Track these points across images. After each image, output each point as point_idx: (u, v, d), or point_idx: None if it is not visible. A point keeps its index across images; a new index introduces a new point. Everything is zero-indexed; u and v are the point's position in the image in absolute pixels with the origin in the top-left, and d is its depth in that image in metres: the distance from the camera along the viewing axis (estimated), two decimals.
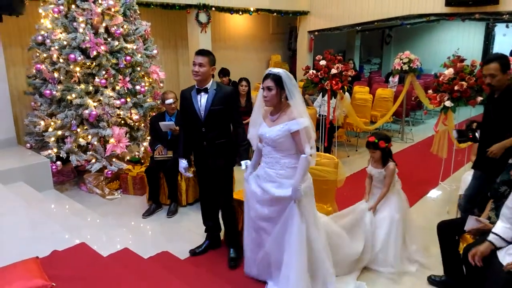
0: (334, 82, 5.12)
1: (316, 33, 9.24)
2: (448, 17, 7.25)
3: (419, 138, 7.65)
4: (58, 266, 2.53)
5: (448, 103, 4.18)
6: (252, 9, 8.02)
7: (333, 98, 5.46)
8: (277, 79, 2.63)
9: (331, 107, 5.60)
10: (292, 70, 9.52)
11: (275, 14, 8.66)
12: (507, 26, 10.87)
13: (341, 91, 5.31)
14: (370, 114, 7.39)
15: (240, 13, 7.96)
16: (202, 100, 3.19)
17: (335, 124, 5.79)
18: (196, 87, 3.22)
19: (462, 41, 11.06)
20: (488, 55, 3.19)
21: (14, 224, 3.35)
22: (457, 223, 3.01)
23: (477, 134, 3.37)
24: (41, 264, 2.42)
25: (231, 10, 7.73)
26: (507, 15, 6.80)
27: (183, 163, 3.40)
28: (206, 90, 3.18)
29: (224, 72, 6.63)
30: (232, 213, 3.41)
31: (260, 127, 2.79)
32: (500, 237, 2.43)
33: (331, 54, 5.34)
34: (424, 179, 5.34)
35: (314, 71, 5.25)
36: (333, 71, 5.10)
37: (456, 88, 4.08)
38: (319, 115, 5.91)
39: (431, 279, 3.13)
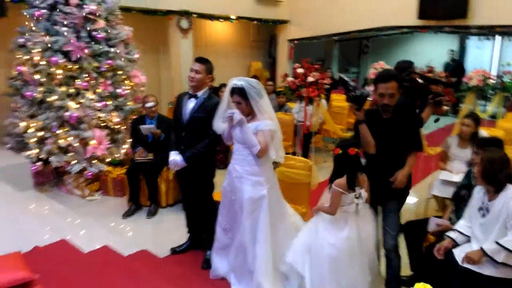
0: (311, 89, 5.33)
1: (296, 41, 9.48)
2: (421, 29, 7.59)
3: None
4: (39, 261, 2.62)
5: None
6: (233, 17, 8.19)
7: (309, 105, 5.66)
8: (242, 92, 2.82)
9: (308, 114, 5.80)
10: (272, 77, 9.72)
11: (255, 22, 8.86)
12: (479, 39, 11.37)
13: (317, 98, 5.53)
14: (346, 121, 7.63)
15: (221, 20, 8.13)
16: (189, 105, 3.30)
17: (311, 130, 5.99)
18: (190, 92, 3.33)
19: (436, 53, 11.49)
20: (382, 72, 2.94)
21: None
22: (421, 223, 3.23)
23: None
24: (23, 258, 2.51)
25: (212, 17, 7.89)
26: (476, 29, 7.18)
27: (174, 153, 3.33)
28: (196, 97, 3.30)
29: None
30: (212, 217, 3.44)
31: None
32: (461, 233, 2.67)
33: (308, 62, 5.56)
34: None
35: (292, 79, 5.45)
36: (310, 79, 5.31)
37: None
38: (297, 121, 6.12)
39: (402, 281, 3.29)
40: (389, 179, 2.75)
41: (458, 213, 3.01)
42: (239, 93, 2.82)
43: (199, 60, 3.28)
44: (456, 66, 10.49)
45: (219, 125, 3.00)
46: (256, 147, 2.80)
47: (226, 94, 2.94)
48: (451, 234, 2.70)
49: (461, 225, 2.71)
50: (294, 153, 5.80)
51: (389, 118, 2.81)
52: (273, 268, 2.98)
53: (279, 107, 6.57)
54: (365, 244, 2.74)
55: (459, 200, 3.12)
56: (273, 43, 10.24)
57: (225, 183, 3.09)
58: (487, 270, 2.39)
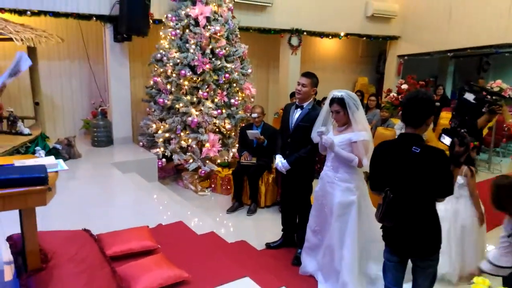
0: None
1: (406, 57, 9.34)
2: None
3: (508, 170, 7.35)
4: (162, 235, 3.24)
5: None
6: (342, 34, 8.44)
7: None
8: (341, 102, 3.09)
9: None
10: (379, 93, 9.69)
11: (364, 38, 8.98)
12: None
13: None
14: None
15: (330, 37, 8.44)
16: (296, 115, 3.68)
17: None
18: (296, 103, 3.73)
19: None
20: None
21: (129, 202, 4.24)
22: None
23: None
24: (150, 231, 3.15)
25: (321, 35, 8.25)
26: None
27: (278, 156, 3.76)
28: (302, 107, 3.67)
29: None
30: (306, 217, 3.70)
31: (328, 135, 3.25)
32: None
33: (417, 79, 5.59)
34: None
35: (395, 94, 5.53)
36: None
37: None
38: None
39: None
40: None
41: None
42: (339, 102, 3.10)
43: (306, 74, 3.63)
44: None
45: (316, 136, 3.33)
46: (354, 161, 3.07)
47: (326, 105, 3.26)
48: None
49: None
50: None
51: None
52: (359, 271, 3.19)
53: (382, 122, 6.62)
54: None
55: None
56: (382, 58, 10.19)
57: (318, 188, 3.41)
58: None
